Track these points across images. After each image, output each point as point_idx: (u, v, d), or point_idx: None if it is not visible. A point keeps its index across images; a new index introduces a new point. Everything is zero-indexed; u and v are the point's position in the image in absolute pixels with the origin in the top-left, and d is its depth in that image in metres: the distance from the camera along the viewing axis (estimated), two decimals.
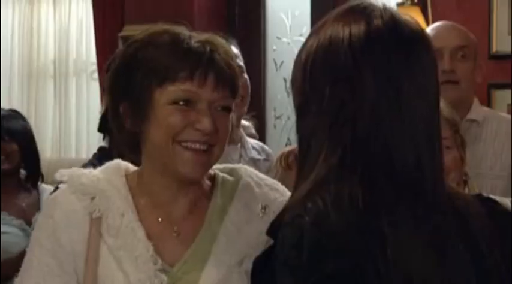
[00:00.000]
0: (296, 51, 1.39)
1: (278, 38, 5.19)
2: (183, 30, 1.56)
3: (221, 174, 1.64)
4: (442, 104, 2.31)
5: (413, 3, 4.37)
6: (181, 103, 1.50)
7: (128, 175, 1.61)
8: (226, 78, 1.52)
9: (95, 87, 5.97)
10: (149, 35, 1.57)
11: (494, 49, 4.27)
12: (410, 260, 1.23)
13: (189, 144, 1.51)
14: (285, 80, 4.93)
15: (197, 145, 1.51)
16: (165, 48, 1.52)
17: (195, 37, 1.55)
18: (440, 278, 1.26)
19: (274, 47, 5.18)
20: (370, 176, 1.26)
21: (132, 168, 1.63)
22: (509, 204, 2.26)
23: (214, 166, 1.62)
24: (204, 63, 1.50)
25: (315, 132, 1.30)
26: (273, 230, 1.27)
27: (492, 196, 1.46)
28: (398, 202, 1.27)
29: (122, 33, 5.30)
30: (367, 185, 1.26)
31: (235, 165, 1.69)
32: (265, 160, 3.00)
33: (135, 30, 5.87)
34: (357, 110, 1.27)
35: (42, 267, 1.54)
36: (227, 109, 1.54)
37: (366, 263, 1.20)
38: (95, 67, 5.69)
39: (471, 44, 2.81)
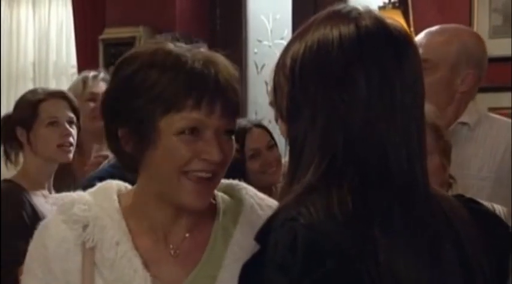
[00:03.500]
0: (278, 54, 1.39)
1: (259, 41, 5.19)
2: (181, 50, 1.48)
3: (220, 194, 1.59)
4: (426, 108, 2.32)
5: (394, 7, 4.39)
6: (187, 132, 1.44)
7: (120, 196, 1.55)
8: (232, 103, 1.47)
9: None
10: (150, 56, 1.48)
11: None
12: (402, 264, 1.24)
13: (195, 174, 1.45)
14: (266, 83, 4.92)
15: (203, 174, 1.46)
16: (168, 73, 1.44)
17: (195, 56, 1.47)
18: (431, 281, 1.26)
19: (256, 50, 5.18)
20: (362, 180, 1.26)
21: (124, 186, 1.58)
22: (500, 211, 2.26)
23: None
24: (210, 90, 1.44)
25: (307, 137, 1.29)
26: (262, 235, 1.26)
27: (479, 199, 1.47)
28: (389, 205, 1.27)
29: (103, 36, 5.28)
30: (358, 190, 1.25)
31: (232, 181, 1.62)
32: None
33: (115, 33, 5.87)
34: (350, 112, 1.27)
35: None
36: (231, 132, 1.49)
37: (359, 265, 1.20)
38: (75, 70, 5.65)
39: (436, 57, 2.74)
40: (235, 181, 1.63)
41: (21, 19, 6.31)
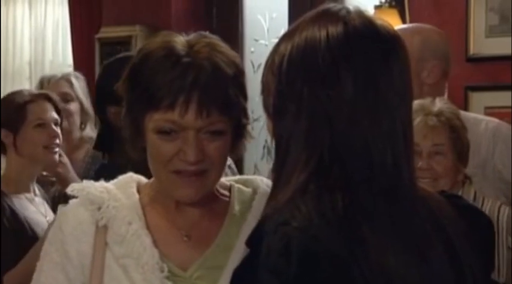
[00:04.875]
0: None
1: (256, 40, 5.18)
2: (180, 45, 1.49)
3: (237, 185, 1.62)
4: (444, 106, 2.32)
5: (391, 6, 4.38)
6: (164, 132, 1.46)
7: (139, 186, 1.59)
8: (211, 101, 1.45)
9: None
10: (149, 48, 1.51)
11: (471, 52, 4.29)
12: (392, 265, 1.24)
13: (178, 170, 1.48)
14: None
15: (187, 174, 1.48)
16: (153, 69, 1.47)
17: (192, 53, 1.47)
18: (422, 279, 1.27)
19: (252, 49, 5.18)
20: (349, 179, 1.26)
21: (144, 180, 1.62)
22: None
23: (228, 178, 1.61)
24: (187, 89, 1.44)
25: (292, 135, 1.29)
26: (254, 239, 1.26)
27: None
28: (377, 205, 1.27)
29: (99, 35, 5.27)
30: (346, 190, 1.25)
31: (250, 176, 1.67)
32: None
33: (112, 32, 5.85)
34: (335, 110, 1.27)
35: (50, 281, 1.53)
36: (218, 133, 1.48)
37: (352, 267, 1.20)
38: (71, 69, 5.64)
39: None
40: (255, 176, 1.67)
41: (17, 18, 6.30)
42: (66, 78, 3.68)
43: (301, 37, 1.31)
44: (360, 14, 1.33)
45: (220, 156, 1.50)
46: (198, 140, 1.46)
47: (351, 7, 1.34)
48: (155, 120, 1.47)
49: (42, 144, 2.89)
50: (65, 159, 3.20)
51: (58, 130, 2.94)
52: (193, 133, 1.45)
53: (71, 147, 3.55)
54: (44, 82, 3.69)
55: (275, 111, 1.33)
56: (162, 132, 1.47)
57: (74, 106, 3.61)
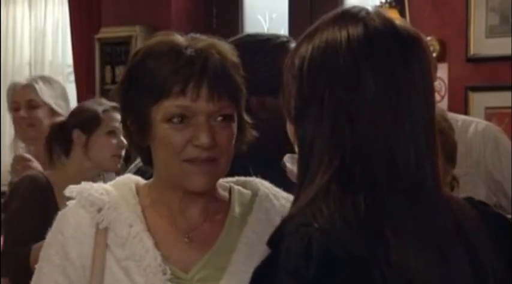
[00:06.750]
0: None
1: None
2: (180, 39, 1.52)
3: (236, 187, 1.63)
4: None
5: (391, 6, 4.39)
6: (175, 120, 1.47)
7: (138, 188, 1.59)
8: (221, 86, 1.48)
9: (71, 90, 5.91)
10: (149, 46, 1.54)
11: (471, 52, 4.29)
12: (413, 265, 1.24)
13: (192, 159, 1.49)
14: None
15: (199, 161, 1.49)
16: (160, 62, 1.49)
17: (193, 44, 1.51)
18: (441, 279, 1.27)
19: None
20: (371, 180, 1.27)
21: (142, 181, 1.62)
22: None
23: (227, 179, 1.61)
24: (196, 75, 1.46)
25: (315, 137, 1.30)
26: (274, 240, 1.27)
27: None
28: (399, 206, 1.27)
29: (99, 35, 5.27)
30: (369, 190, 1.26)
31: (249, 178, 1.67)
32: None
33: (111, 32, 5.85)
34: (357, 111, 1.27)
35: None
36: (228, 119, 1.50)
37: (372, 269, 1.21)
38: (71, 69, 5.64)
39: None
40: (253, 178, 1.67)
41: (17, 18, 6.29)
42: (30, 85, 3.57)
43: (321, 39, 1.31)
44: (380, 14, 1.33)
45: (229, 144, 1.51)
46: (210, 126, 1.48)
47: (369, 8, 1.35)
48: (165, 107, 1.47)
49: (111, 151, 3.02)
50: None
51: (125, 142, 3.04)
52: (204, 118, 1.47)
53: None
54: (16, 88, 3.57)
55: (297, 114, 1.34)
56: (173, 121, 1.48)
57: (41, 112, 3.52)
